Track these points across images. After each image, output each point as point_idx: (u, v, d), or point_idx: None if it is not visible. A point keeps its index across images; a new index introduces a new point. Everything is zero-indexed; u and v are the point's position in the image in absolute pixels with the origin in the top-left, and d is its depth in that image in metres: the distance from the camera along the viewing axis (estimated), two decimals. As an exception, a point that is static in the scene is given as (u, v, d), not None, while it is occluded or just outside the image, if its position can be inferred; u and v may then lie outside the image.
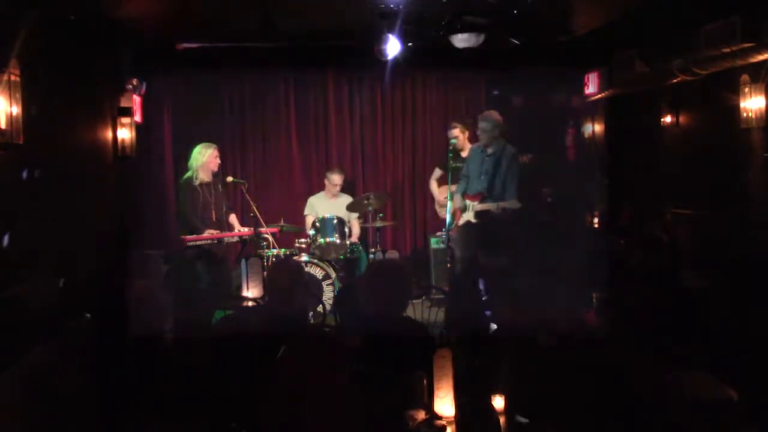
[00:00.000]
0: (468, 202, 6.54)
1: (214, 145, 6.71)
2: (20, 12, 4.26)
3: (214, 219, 6.58)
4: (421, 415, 2.82)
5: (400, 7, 5.66)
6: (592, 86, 7.41)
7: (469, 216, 6.49)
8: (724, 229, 5.39)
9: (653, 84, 6.29)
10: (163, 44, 6.93)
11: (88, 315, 3.35)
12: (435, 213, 7.99)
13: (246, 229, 6.72)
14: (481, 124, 6.61)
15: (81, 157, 5.55)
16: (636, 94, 6.85)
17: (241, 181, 7.01)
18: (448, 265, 6.84)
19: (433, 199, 7.94)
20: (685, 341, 3.20)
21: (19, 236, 4.23)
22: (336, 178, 7.57)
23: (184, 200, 6.52)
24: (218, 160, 6.67)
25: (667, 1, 5.63)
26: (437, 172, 7.76)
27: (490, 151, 6.50)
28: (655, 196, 6.57)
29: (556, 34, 7.01)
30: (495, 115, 6.63)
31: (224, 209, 6.73)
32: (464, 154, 7.18)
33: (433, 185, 7.82)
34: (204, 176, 6.53)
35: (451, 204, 6.82)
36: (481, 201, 6.43)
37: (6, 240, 4.08)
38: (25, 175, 4.41)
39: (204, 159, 6.53)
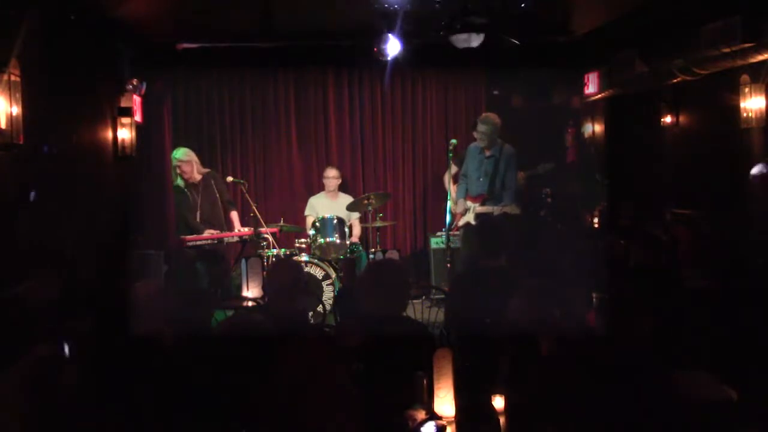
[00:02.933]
0: (470, 203, 6.54)
1: (183, 149, 6.82)
2: (20, 12, 4.26)
3: (198, 220, 6.66)
4: (421, 415, 2.82)
5: (400, 7, 5.67)
6: (592, 86, 7.40)
7: (469, 217, 6.49)
8: (724, 229, 5.39)
9: (653, 84, 6.29)
10: (163, 44, 6.93)
11: (89, 315, 3.35)
12: (439, 212, 7.96)
13: (246, 229, 6.73)
14: (480, 128, 6.60)
15: (81, 157, 5.54)
16: (636, 94, 6.85)
17: (241, 181, 7.02)
18: (448, 265, 6.84)
19: (443, 196, 7.88)
20: (685, 341, 3.20)
21: (19, 236, 4.23)
22: (330, 172, 7.60)
23: (178, 204, 6.68)
24: (189, 163, 6.74)
25: (667, 1, 5.63)
26: (454, 168, 7.72)
27: (488, 153, 6.51)
28: (655, 196, 6.57)
29: (556, 34, 7.01)
30: (494, 118, 6.63)
31: (221, 205, 6.78)
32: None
33: (448, 182, 7.79)
34: (182, 180, 6.69)
35: (451, 204, 6.83)
36: (483, 203, 6.45)
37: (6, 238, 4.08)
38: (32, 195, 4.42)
39: (173, 164, 6.69)
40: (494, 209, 6.33)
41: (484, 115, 6.80)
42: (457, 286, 4.68)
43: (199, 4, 5.75)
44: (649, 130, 6.68)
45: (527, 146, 7.67)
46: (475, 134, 6.77)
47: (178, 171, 6.78)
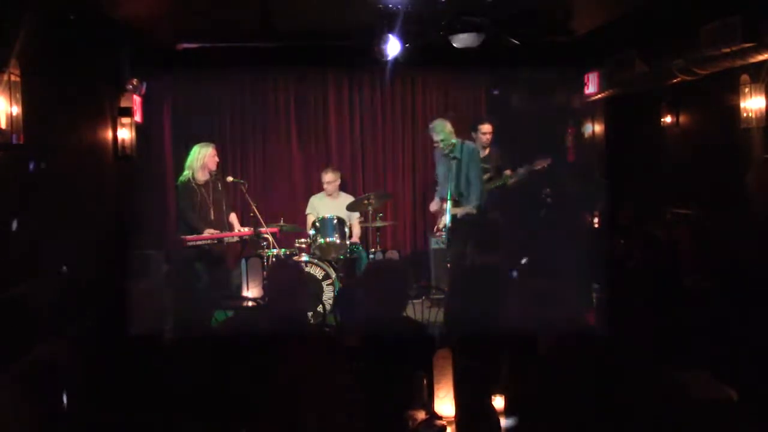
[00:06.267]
0: (445, 205, 6.58)
1: (212, 144, 6.73)
2: (20, 12, 4.26)
3: (212, 218, 6.57)
4: (421, 415, 2.82)
5: (400, 7, 5.66)
6: (592, 86, 7.41)
7: (446, 219, 6.53)
8: (724, 229, 5.39)
9: (653, 84, 6.29)
10: (163, 44, 6.93)
11: (89, 315, 3.36)
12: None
13: (246, 229, 6.72)
14: (435, 137, 6.61)
15: (81, 157, 5.55)
16: (636, 94, 6.85)
17: (241, 181, 7.01)
18: (448, 265, 6.84)
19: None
20: (685, 341, 3.20)
21: (19, 236, 4.23)
22: (328, 176, 7.58)
23: (184, 201, 6.53)
24: (216, 159, 6.69)
25: (667, 1, 5.63)
26: None
27: (452, 155, 6.53)
28: (655, 196, 6.57)
29: (556, 34, 7.01)
30: (444, 123, 6.61)
31: (224, 208, 6.73)
32: (486, 152, 7.31)
33: None
34: (202, 176, 6.55)
35: (435, 204, 6.92)
36: (454, 204, 6.48)
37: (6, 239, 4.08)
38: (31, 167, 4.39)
39: (202, 158, 6.55)
40: (458, 212, 6.40)
41: (433, 123, 6.73)
42: (455, 286, 4.69)
43: (199, 4, 5.74)
44: (649, 130, 6.68)
45: (528, 146, 7.67)
46: (435, 143, 6.74)
47: (209, 162, 6.57)
